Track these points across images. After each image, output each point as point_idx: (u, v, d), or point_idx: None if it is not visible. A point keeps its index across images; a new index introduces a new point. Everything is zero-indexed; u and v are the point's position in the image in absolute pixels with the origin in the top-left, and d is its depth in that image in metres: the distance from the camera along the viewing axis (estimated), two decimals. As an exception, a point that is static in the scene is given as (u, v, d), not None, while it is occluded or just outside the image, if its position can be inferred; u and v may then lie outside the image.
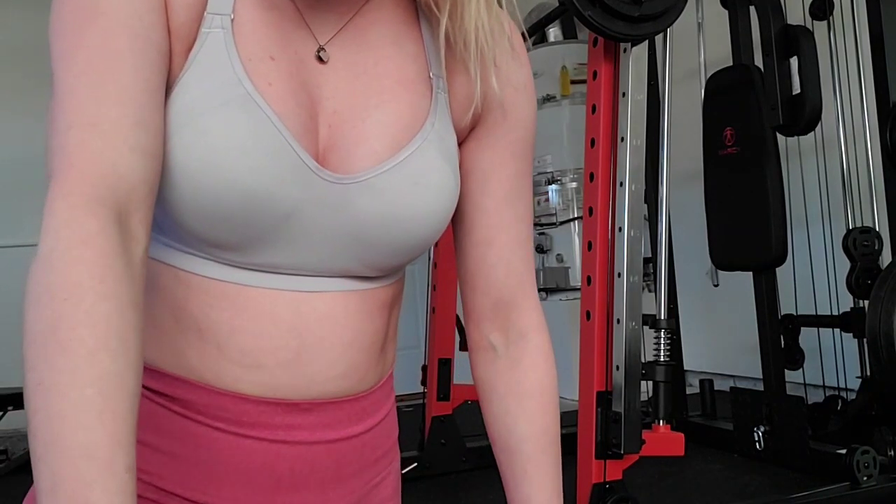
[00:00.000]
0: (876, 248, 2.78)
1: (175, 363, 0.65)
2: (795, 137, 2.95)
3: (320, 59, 0.67)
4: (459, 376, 2.90)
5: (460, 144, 0.75)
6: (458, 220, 0.77)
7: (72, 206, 0.53)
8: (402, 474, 0.81)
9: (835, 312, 3.06)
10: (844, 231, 2.86)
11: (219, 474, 0.65)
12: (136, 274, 0.55)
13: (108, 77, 0.56)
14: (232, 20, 0.63)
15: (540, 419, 0.77)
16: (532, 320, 0.78)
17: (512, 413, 0.77)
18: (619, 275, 2.08)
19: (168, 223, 0.63)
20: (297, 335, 0.65)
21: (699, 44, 3.26)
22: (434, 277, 3.02)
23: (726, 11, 3.06)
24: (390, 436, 0.77)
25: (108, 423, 0.48)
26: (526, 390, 0.77)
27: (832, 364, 3.12)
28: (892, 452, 2.48)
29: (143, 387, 0.65)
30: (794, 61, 2.74)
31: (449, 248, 2.81)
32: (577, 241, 4.39)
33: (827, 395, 3.04)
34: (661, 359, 2.13)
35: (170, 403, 0.65)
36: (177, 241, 0.64)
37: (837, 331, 3.04)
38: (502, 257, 0.77)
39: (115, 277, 0.52)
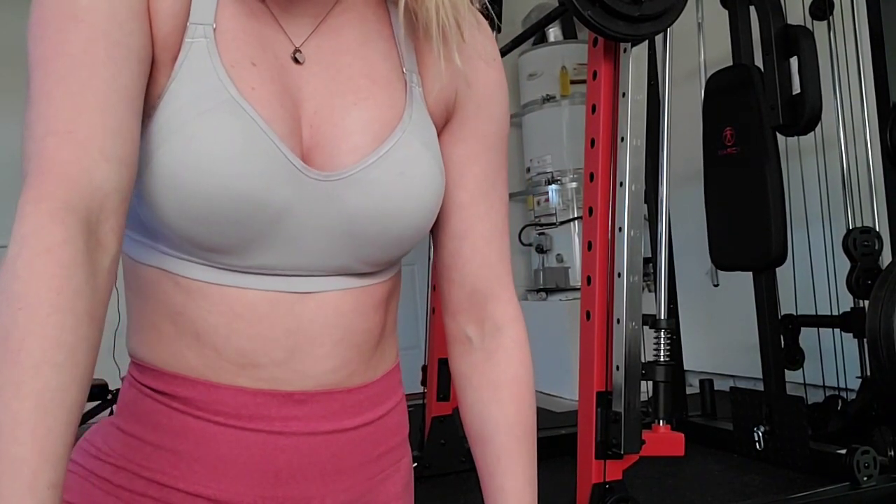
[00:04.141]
0: (876, 248, 2.78)
1: (174, 363, 0.66)
2: (795, 137, 2.95)
3: (296, 61, 0.68)
4: (459, 376, 2.89)
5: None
6: None
7: (40, 213, 0.53)
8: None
9: (835, 312, 3.06)
10: (844, 231, 2.86)
11: (220, 468, 0.66)
12: (100, 284, 0.55)
13: (86, 85, 0.57)
14: (214, 29, 0.63)
15: (515, 409, 0.77)
16: (508, 312, 0.78)
17: (486, 403, 0.77)
18: (619, 275, 2.08)
19: (164, 230, 0.64)
20: (292, 336, 0.66)
21: (699, 44, 3.26)
22: (434, 277, 3.02)
23: (726, 11, 3.06)
24: (397, 433, 0.77)
25: (39, 438, 0.48)
26: (501, 381, 0.77)
27: (832, 364, 3.12)
28: (893, 452, 2.48)
29: (146, 386, 0.67)
30: (794, 61, 2.74)
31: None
32: (577, 241, 4.39)
33: (827, 395, 3.04)
34: (661, 359, 2.13)
35: (170, 401, 0.67)
36: (173, 248, 0.65)
37: (837, 331, 3.04)
38: (477, 249, 0.77)
39: (74, 289, 0.52)
